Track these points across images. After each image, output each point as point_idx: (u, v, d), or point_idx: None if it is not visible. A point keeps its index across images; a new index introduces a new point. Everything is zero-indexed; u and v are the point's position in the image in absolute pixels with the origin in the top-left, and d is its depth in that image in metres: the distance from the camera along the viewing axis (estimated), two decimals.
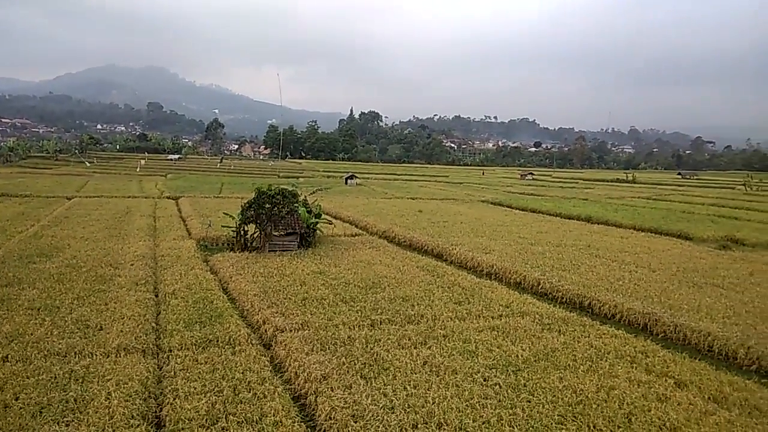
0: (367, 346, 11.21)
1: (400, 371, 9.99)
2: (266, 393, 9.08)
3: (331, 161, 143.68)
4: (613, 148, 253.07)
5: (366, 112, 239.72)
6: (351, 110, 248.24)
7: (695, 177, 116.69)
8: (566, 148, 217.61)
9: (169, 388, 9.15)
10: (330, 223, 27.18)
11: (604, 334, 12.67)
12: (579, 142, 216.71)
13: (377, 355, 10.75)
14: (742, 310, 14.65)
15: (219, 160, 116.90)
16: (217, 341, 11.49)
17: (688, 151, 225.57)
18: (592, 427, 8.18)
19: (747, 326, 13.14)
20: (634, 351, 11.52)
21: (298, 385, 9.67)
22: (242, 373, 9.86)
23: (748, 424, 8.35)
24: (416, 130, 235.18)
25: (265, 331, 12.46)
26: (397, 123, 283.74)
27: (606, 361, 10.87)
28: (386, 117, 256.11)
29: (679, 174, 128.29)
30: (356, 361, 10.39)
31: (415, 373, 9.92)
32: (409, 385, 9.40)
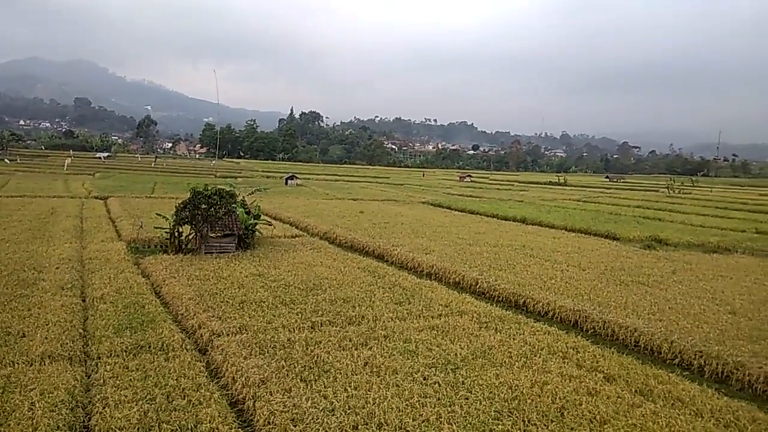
0: (307, 349, 11.09)
1: (340, 373, 9.95)
2: (202, 399, 8.82)
3: (270, 161, 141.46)
4: (546, 152, 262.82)
5: (307, 112, 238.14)
6: (291, 110, 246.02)
7: (622, 180, 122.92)
8: (503, 152, 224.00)
9: (98, 396, 8.74)
10: (269, 224, 26.76)
11: (538, 331, 13.10)
12: (515, 145, 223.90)
13: (317, 357, 10.66)
14: (666, 306, 15.51)
15: (154, 159, 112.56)
16: (149, 347, 11.06)
17: (615, 156, 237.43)
18: (526, 422, 8.43)
19: (670, 322, 13.92)
20: (566, 347, 11.97)
21: (236, 390, 9.45)
22: (176, 379, 9.54)
23: (671, 416, 8.83)
24: (357, 131, 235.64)
25: (201, 335, 12.10)
26: (339, 124, 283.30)
27: (540, 357, 11.24)
28: (327, 117, 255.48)
29: (607, 177, 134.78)
30: (296, 364, 10.27)
31: (356, 375, 9.90)
32: (350, 386, 9.38)
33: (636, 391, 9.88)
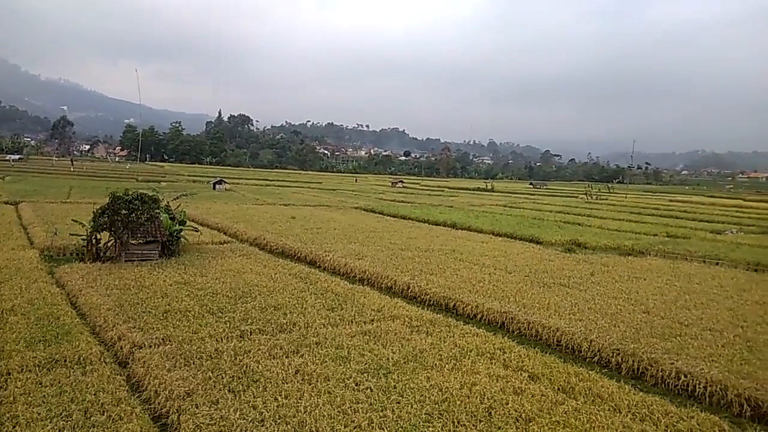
0: (235, 359, 10.80)
1: (270, 382, 9.75)
2: (122, 414, 8.39)
3: (197, 165, 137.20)
4: (475, 159, 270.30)
5: (236, 115, 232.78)
6: (219, 112, 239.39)
7: (544, 186, 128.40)
8: (433, 158, 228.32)
9: (8, 415, 8.16)
10: (196, 231, 25.89)
11: (467, 333, 13.40)
12: (445, 152, 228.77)
13: (247, 366, 10.40)
14: (585, 307, 16.29)
15: (71, 162, 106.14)
16: (65, 361, 10.43)
17: (538, 163, 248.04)
18: (456, 423, 8.59)
19: (589, 321, 14.63)
20: (494, 348, 12.32)
21: (159, 403, 9.05)
22: (94, 394, 9.03)
23: (592, 412, 9.27)
24: (289, 136, 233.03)
25: (121, 347, 11.51)
26: (269, 128, 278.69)
27: (468, 358, 11.50)
28: (257, 121, 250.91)
29: (531, 184, 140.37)
30: (224, 375, 9.96)
31: (287, 383, 9.74)
32: (280, 395, 9.21)
33: (559, 388, 10.30)
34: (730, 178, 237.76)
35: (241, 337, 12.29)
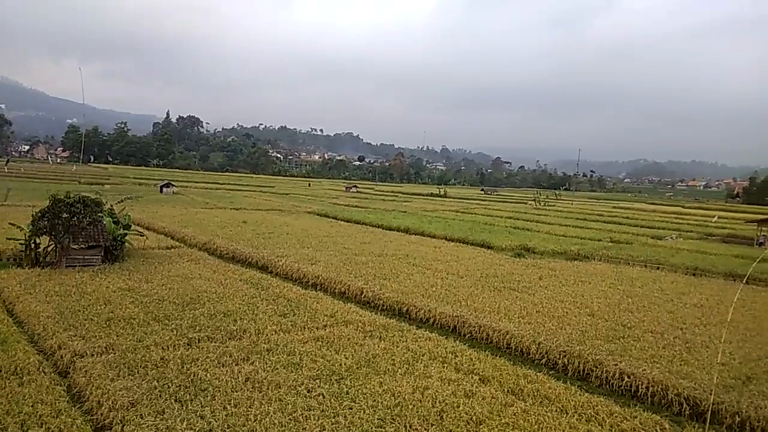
0: (183, 367, 10.48)
1: (219, 391, 9.50)
2: (62, 426, 8.02)
3: (143, 167, 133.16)
4: (428, 165, 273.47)
5: (185, 116, 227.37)
6: (167, 113, 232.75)
7: (495, 193, 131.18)
8: (387, 163, 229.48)
9: None
10: (141, 235, 25.07)
11: (420, 337, 13.47)
12: (398, 158, 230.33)
13: (194, 375, 10.11)
14: (534, 310, 16.68)
15: (5, 162, 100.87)
16: (1, 371, 9.87)
17: (489, 170, 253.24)
18: (408, 427, 8.60)
19: (537, 324, 14.98)
20: (446, 351, 12.44)
21: (102, 414, 8.67)
22: (32, 406, 8.59)
23: (540, 413, 9.47)
24: (240, 139, 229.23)
25: (62, 357, 10.98)
26: (220, 130, 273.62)
27: (421, 363, 11.56)
28: (207, 123, 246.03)
29: (483, 190, 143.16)
30: (170, 384, 9.65)
31: (236, 391, 9.52)
32: (230, 404, 8.99)
33: (508, 390, 10.48)
34: (670, 186, 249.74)
35: (188, 344, 11.94)
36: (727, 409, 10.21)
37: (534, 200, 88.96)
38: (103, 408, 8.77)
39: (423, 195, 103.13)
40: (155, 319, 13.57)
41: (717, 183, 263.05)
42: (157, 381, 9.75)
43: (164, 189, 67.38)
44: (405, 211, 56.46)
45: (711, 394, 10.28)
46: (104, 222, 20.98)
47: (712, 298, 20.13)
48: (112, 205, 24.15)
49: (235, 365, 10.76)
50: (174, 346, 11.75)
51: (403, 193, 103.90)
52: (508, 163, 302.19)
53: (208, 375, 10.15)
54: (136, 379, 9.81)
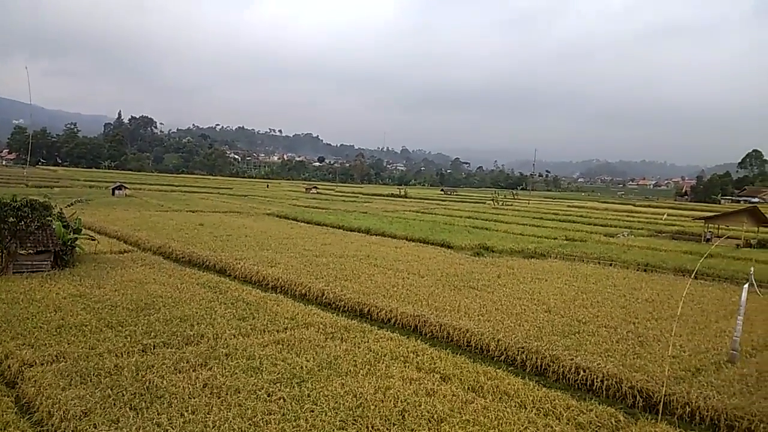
0: (137, 374, 10.17)
1: (176, 397, 9.26)
2: None
3: (94, 169, 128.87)
4: (388, 166, 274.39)
5: (138, 116, 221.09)
6: (120, 114, 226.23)
7: (455, 193, 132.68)
8: (347, 164, 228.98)
9: None
10: (92, 239, 24.25)
11: (381, 338, 13.48)
12: (359, 158, 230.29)
13: (150, 382, 9.83)
14: (493, 308, 16.93)
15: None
16: None
17: (449, 170, 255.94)
18: (370, 428, 8.58)
19: (496, 322, 15.21)
20: (407, 351, 12.48)
21: (53, 425, 8.34)
22: None
23: (499, 409, 9.61)
24: (196, 140, 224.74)
25: (9, 366, 10.52)
26: (175, 131, 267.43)
27: (383, 363, 11.56)
28: (162, 123, 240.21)
29: (442, 190, 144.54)
30: (125, 392, 9.35)
31: (194, 398, 9.30)
32: (187, 410, 8.77)
33: (469, 388, 10.60)
34: (621, 185, 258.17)
35: (143, 351, 11.60)
36: (678, 400, 10.58)
37: (492, 200, 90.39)
38: (53, 418, 8.44)
39: (383, 195, 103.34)
40: (108, 326, 13.14)
41: (666, 182, 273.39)
42: (111, 389, 9.44)
43: (116, 191, 65.37)
44: (366, 212, 56.46)
45: (663, 386, 10.66)
46: (53, 226, 20.23)
47: (663, 293, 20.89)
48: (61, 209, 23.30)
49: (193, 371, 10.52)
50: (128, 352, 11.40)
51: (363, 194, 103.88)
52: (467, 163, 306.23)
53: (165, 382, 9.88)
54: (88, 387, 9.47)
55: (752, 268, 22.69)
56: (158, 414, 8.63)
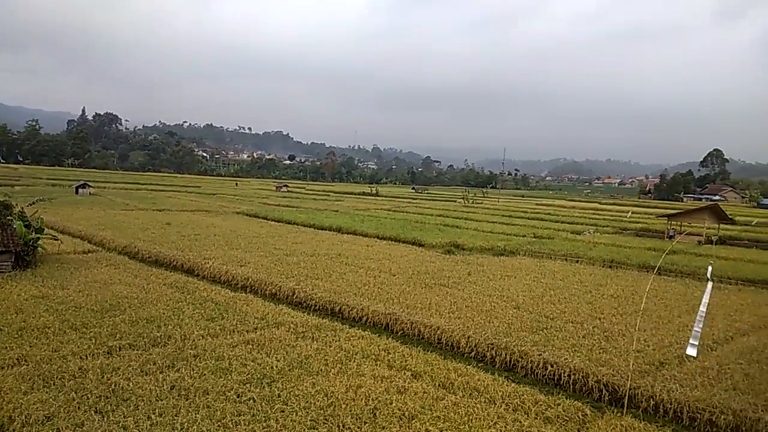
0: (103, 377, 9.95)
1: (143, 400, 9.09)
2: None
3: (57, 167, 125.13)
4: (360, 164, 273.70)
5: (102, 113, 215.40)
6: (83, 110, 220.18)
7: (426, 191, 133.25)
8: (318, 162, 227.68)
9: None
10: (55, 239, 23.56)
11: (352, 336, 13.48)
12: (330, 157, 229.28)
13: (116, 385, 9.62)
14: (463, 305, 17.09)
15: None
16: None
17: (420, 169, 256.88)
18: (342, 427, 8.58)
19: (467, 319, 15.37)
20: (378, 349, 12.51)
21: (14, 430, 8.09)
22: None
23: (469, 405, 9.72)
24: (163, 137, 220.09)
25: None
26: (141, 128, 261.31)
27: (354, 361, 11.56)
28: (127, 120, 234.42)
29: (414, 188, 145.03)
30: (90, 395, 9.14)
31: (161, 400, 9.14)
32: (154, 413, 8.62)
33: (439, 385, 10.69)
34: (587, 184, 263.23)
35: (108, 353, 11.35)
36: (643, 393, 10.86)
37: (463, 198, 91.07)
38: (15, 423, 8.21)
39: (355, 194, 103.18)
40: (72, 328, 12.81)
41: (630, 180, 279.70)
42: (75, 392, 9.21)
43: (80, 190, 63.71)
44: (337, 211, 56.29)
45: (628, 380, 10.94)
46: (14, 226, 19.64)
47: (627, 289, 21.40)
48: (22, 208, 22.60)
49: (160, 373, 10.34)
50: (93, 355, 11.14)
51: (334, 193, 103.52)
52: (437, 162, 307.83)
53: (131, 384, 9.69)
54: (52, 391, 9.23)
55: (710, 265, 23.43)
56: (124, 417, 8.47)
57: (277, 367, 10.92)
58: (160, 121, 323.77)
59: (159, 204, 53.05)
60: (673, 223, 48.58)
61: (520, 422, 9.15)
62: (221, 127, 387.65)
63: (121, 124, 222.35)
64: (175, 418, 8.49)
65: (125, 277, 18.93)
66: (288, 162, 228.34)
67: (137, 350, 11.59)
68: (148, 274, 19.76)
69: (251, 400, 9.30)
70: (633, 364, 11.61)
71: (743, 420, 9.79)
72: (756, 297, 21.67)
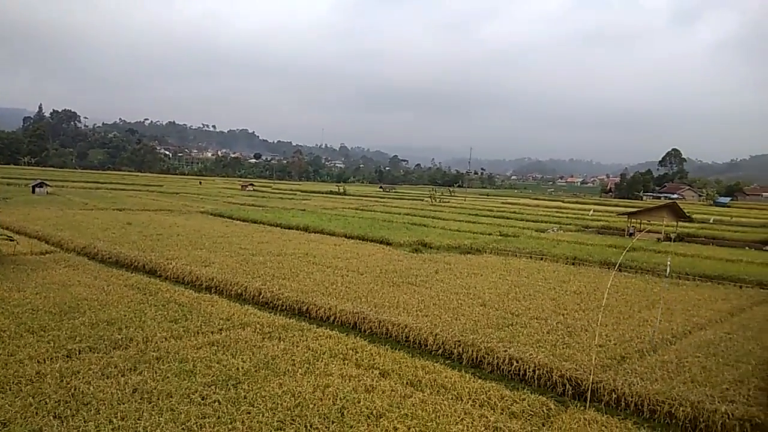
0: (62, 381, 9.64)
1: (104, 404, 8.85)
2: None
3: (12, 166, 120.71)
4: (327, 163, 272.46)
5: (60, 110, 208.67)
6: (40, 107, 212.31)
7: (393, 190, 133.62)
8: (285, 161, 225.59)
9: None
10: (11, 240, 22.72)
11: (320, 336, 13.41)
12: (297, 155, 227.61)
13: (75, 389, 9.34)
14: (431, 303, 17.19)
15: None
16: None
17: (387, 168, 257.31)
18: (309, 427, 8.52)
19: (434, 316, 15.46)
20: (346, 348, 12.48)
21: None
22: None
23: (437, 402, 9.78)
24: (124, 135, 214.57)
25: None
26: (100, 125, 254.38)
27: (322, 361, 11.50)
28: (86, 118, 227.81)
29: (381, 187, 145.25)
30: (48, 400, 8.84)
31: (123, 404, 8.91)
32: (116, 417, 8.40)
33: (407, 383, 10.72)
34: (551, 183, 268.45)
35: (67, 356, 11.00)
36: (605, 387, 11.12)
37: (430, 197, 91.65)
38: None
39: (322, 193, 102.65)
40: (29, 331, 12.36)
41: (592, 179, 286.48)
42: (33, 397, 8.90)
43: (37, 189, 61.59)
44: (304, 210, 55.92)
45: (590, 374, 11.19)
46: None
47: (590, 285, 21.91)
48: None
49: (122, 376, 10.08)
50: (51, 358, 10.77)
51: (301, 191, 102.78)
52: (405, 161, 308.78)
53: (91, 388, 9.42)
54: (8, 396, 8.89)
55: (669, 261, 24.17)
56: (84, 421, 8.23)
57: (242, 368, 10.78)
58: (120, 119, 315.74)
59: (119, 203, 51.73)
60: (633, 221, 49.93)
61: (487, 418, 9.25)
62: (184, 124, 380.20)
63: (79, 122, 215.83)
64: (138, 421, 8.29)
65: (85, 278, 18.39)
66: (254, 160, 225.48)
67: (97, 353, 11.27)
68: (109, 275, 19.25)
69: (216, 403, 9.15)
70: (595, 359, 11.88)
71: (701, 411, 10.12)
72: (713, 292, 22.46)
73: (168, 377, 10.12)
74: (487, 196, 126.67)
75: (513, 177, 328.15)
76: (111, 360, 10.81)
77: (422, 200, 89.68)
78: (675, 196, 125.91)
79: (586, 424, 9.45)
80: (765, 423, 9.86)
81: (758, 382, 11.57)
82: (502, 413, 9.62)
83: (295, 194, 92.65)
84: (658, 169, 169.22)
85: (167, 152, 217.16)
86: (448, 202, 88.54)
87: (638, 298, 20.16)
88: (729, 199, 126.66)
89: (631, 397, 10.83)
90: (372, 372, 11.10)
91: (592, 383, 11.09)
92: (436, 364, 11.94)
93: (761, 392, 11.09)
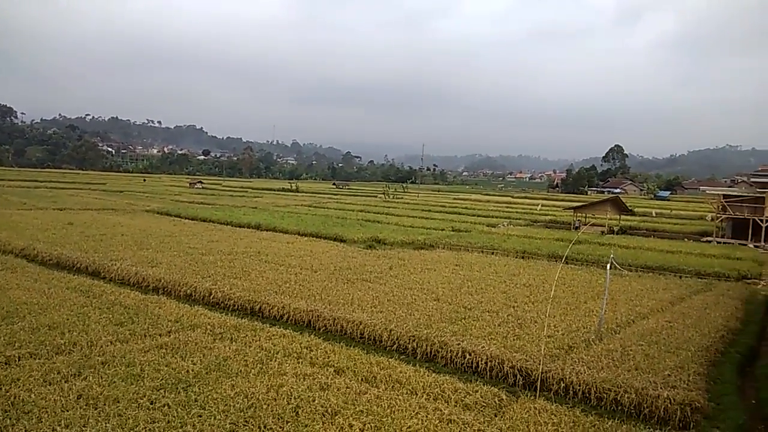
0: (0, 389, 9.17)
1: (46, 411, 8.47)
2: None
3: None
4: (279, 159, 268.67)
5: None
6: None
7: (347, 187, 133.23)
8: (235, 158, 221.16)
9: None
10: None
11: (273, 335, 13.25)
12: (247, 152, 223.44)
13: (16, 397, 8.92)
14: (385, 299, 17.26)
15: None
16: None
17: (340, 164, 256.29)
18: (263, 428, 8.41)
19: (389, 312, 15.53)
20: (300, 347, 12.38)
21: None
22: None
23: (392, 397, 9.84)
24: (63, 131, 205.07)
25: None
26: (39, 121, 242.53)
27: (275, 361, 11.37)
28: (23, 113, 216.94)
29: (334, 184, 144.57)
30: None
31: (68, 410, 8.56)
32: (60, 425, 8.06)
33: (362, 379, 10.74)
34: (501, 178, 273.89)
35: (6, 363, 10.47)
36: (554, 376, 11.47)
37: (383, 193, 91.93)
38: None
39: (274, 190, 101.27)
40: None
41: (540, 175, 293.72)
42: None
43: None
44: (256, 207, 55.05)
45: (540, 365, 11.50)
46: None
47: (539, 278, 22.52)
48: None
49: (65, 382, 9.67)
50: None
51: (253, 189, 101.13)
52: (358, 157, 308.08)
53: (33, 395, 9.00)
54: None
55: (612, 253, 25.09)
56: (26, 430, 7.86)
57: (193, 370, 10.53)
58: (60, 114, 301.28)
59: (60, 203, 49.54)
60: (578, 214, 51.61)
61: (441, 410, 9.38)
62: (128, 120, 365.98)
63: (16, 117, 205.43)
64: (84, 428, 7.98)
65: (23, 281, 17.53)
66: (202, 157, 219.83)
67: (39, 359, 10.76)
68: (49, 277, 18.41)
69: (166, 407, 8.91)
70: (544, 349, 12.22)
71: (645, 397, 10.58)
72: (654, 282, 23.49)
73: (114, 382, 9.78)
74: (440, 192, 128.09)
75: (464, 173, 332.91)
76: (53, 366, 10.36)
77: (376, 197, 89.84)
78: (618, 190, 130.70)
79: (536, 413, 9.72)
80: (704, 407, 10.41)
81: (698, 368, 12.19)
82: (456, 405, 9.78)
83: (246, 192, 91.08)
84: (601, 165, 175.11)
85: (110, 149, 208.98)
86: (402, 198, 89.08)
87: (584, 289, 20.87)
88: (669, 192, 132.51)
89: (579, 386, 11.19)
90: (327, 370, 11.05)
91: (542, 373, 11.41)
92: (391, 360, 12.00)
93: (700, 377, 11.69)
